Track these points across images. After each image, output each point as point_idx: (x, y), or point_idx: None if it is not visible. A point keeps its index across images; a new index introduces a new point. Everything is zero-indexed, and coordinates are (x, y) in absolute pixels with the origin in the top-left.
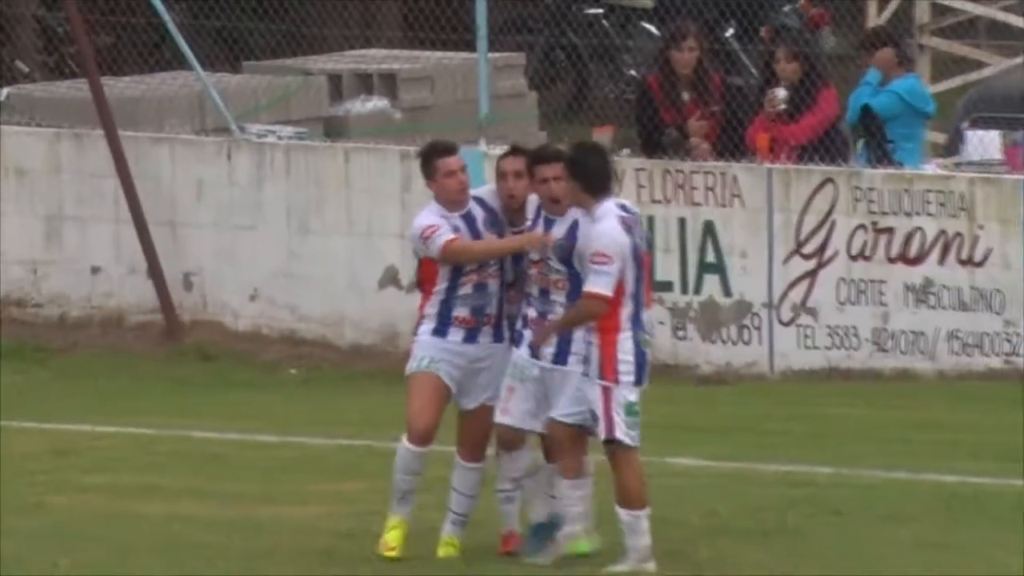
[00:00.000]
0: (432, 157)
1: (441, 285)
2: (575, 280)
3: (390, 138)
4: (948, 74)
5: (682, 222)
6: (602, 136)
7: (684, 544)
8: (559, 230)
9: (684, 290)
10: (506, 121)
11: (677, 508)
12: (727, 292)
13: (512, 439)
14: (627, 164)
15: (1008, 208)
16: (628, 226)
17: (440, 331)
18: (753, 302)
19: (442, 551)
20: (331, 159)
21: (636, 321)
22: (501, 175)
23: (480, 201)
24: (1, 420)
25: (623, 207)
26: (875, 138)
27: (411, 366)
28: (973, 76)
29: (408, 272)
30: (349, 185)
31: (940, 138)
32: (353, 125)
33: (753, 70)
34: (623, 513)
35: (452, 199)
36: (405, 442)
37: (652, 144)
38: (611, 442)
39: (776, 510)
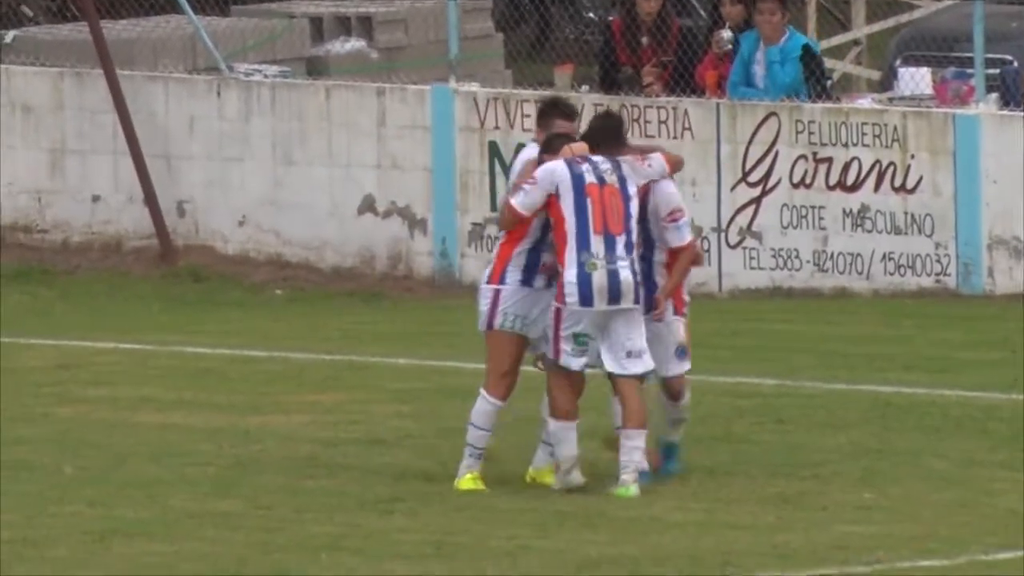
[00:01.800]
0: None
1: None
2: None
3: (367, 76)
4: (882, 16)
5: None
6: (563, 73)
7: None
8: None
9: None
10: (474, 60)
11: None
12: None
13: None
14: (586, 99)
15: (938, 139)
16: (573, 162)
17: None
18: (703, 226)
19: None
20: (313, 96)
21: (581, 247)
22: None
23: None
24: (10, 337)
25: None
26: (814, 75)
27: None
28: (905, 17)
29: (384, 199)
30: (329, 120)
31: (875, 75)
32: (333, 64)
33: (702, 12)
34: (551, 423)
35: None
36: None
37: (609, 81)
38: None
39: (724, 419)
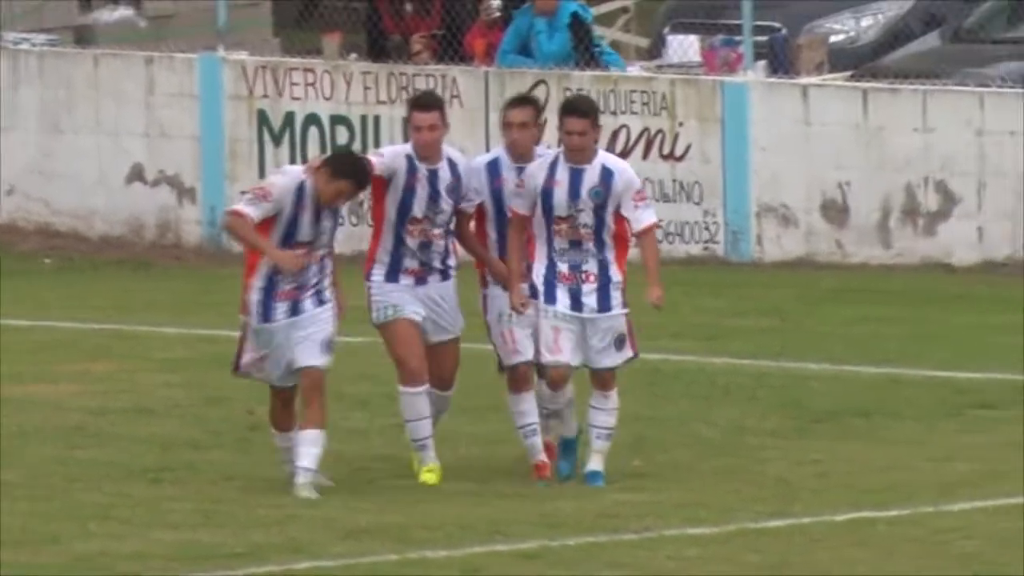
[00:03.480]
0: (409, 108)
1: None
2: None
3: (135, 45)
4: None
5: (405, 122)
6: (330, 42)
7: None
8: (591, 176)
9: None
10: (242, 28)
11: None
12: None
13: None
14: (354, 68)
15: (706, 107)
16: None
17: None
18: None
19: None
20: (81, 65)
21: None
22: (506, 125)
23: (453, 164)
24: None
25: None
26: (583, 43)
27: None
28: None
29: (152, 168)
30: (98, 88)
31: (644, 43)
32: (101, 33)
33: None
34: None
35: (418, 153)
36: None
37: (378, 49)
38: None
39: (478, 388)
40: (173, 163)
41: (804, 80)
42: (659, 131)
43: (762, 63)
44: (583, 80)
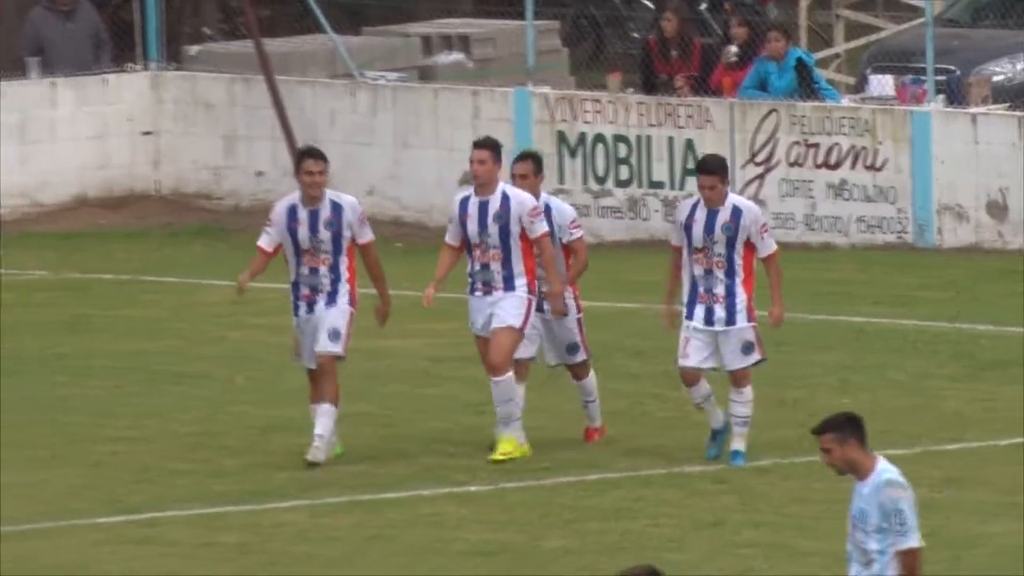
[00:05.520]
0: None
1: None
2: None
3: (465, 81)
4: (857, 35)
5: (670, 140)
6: (613, 80)
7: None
8: (723, 215)
9: (672, 187)
10: (546, 69)
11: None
12: None
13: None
14: (631, 99)
15: (899, 130)
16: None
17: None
18: None
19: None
20: (424, 96)
21: None
22: (511, 176)
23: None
24: (194, 279)
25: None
26: (806, 81)
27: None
28: (874, 37)
29: None
30: (436, 114)
31: (851, 80)
32: (439, 72)
33: (719, 32)
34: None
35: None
36: None
37: (650, 85)
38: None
39: None
40: None
41: (973, 110)
42: (863, 148)
43: (941, 97)
44: (806, 109)
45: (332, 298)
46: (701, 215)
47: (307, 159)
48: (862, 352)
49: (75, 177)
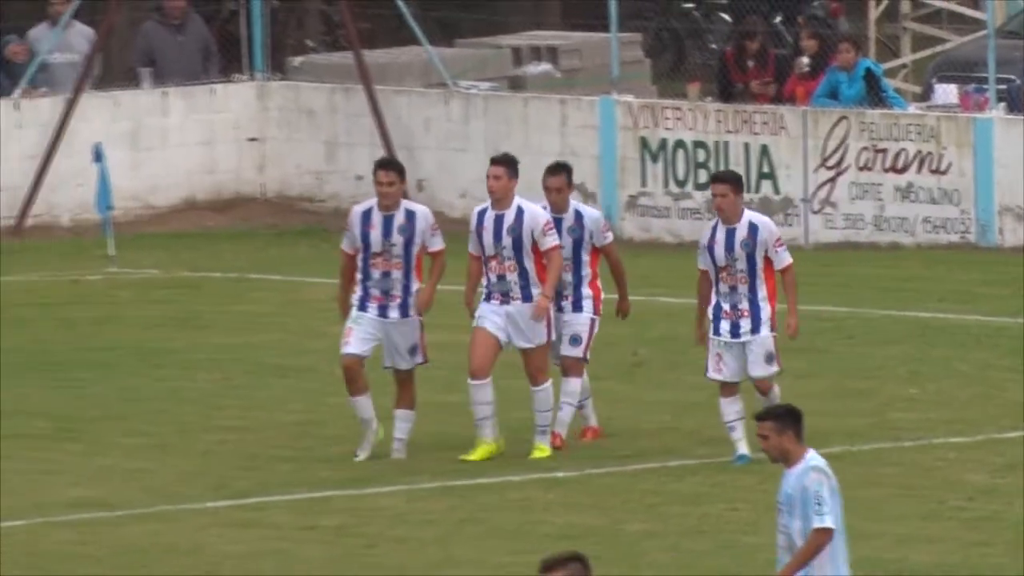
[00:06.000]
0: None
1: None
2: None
3: (553, 90)
4: (922, 47)
5: (747, 146)
6: (692, 89)
7: None
8: (741, 232)
9: (748, 190)
10: (630, 79)
11: None
12: (776, 191)
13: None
14: (710, 107)
15: (962, 136)
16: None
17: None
18: (793, 198)
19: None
20: (514, 104)
21: None
22: (545, 189)
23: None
24: (298, 277)
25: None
26: (874, 90)
27: None
28: (939, 48)
29: None
30: (527, 122)
31: (917, 90)
32: (529, 82)
33: (792, 43)
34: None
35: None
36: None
37: (727, 94)
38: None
39: (807, 335)
40: (579, 175)
41: None
42: (929, 153)
43: (1002, 104)
44: (874, 116)
45: (404, 310)
46: (721, 235)
47: (379, 170)
48: (928, 345)
49: (184, 181)
